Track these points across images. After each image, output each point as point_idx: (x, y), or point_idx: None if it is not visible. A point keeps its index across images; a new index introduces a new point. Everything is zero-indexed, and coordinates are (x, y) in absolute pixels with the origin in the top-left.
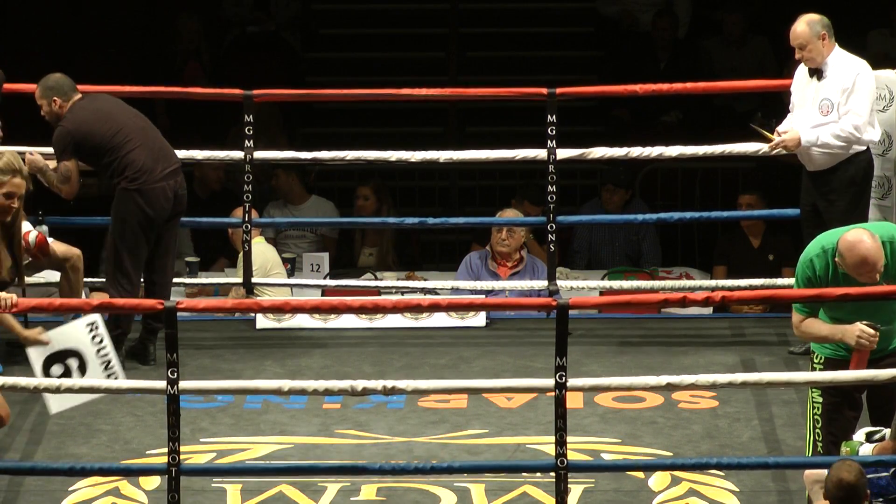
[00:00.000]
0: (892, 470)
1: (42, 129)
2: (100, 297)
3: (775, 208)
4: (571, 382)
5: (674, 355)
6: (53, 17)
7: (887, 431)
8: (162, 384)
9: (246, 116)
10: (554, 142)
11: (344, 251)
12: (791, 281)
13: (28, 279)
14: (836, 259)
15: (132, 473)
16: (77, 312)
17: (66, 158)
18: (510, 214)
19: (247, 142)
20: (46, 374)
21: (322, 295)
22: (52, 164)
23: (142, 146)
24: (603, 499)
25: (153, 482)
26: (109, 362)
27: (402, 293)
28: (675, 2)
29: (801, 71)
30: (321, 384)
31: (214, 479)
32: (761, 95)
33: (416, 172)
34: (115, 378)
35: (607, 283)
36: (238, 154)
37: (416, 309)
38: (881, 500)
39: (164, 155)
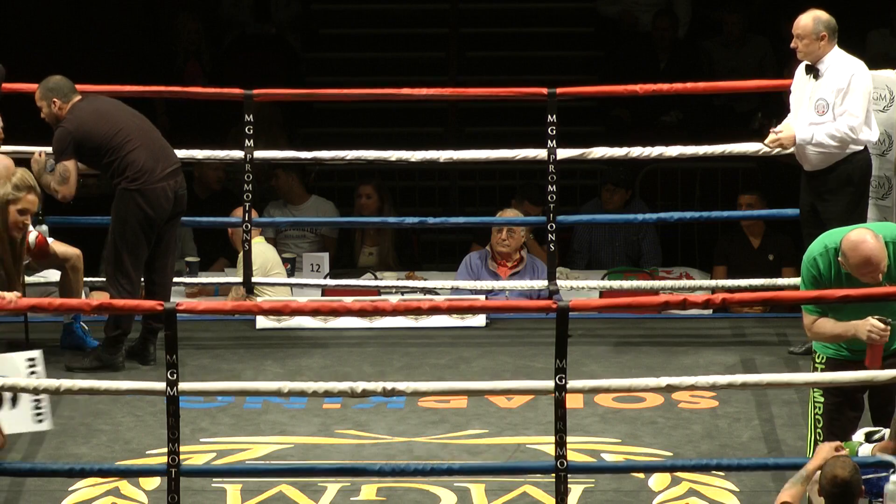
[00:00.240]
0: (892, 470)
1: (42, 129)
2: (100, 298)
3: (775, 208)
4: (571, 384)
5: (674, 355)
6: (53, 17)
7: (886, 431)
8: (162, 385)
9: (246, 116)
10: (554, 142)
11: (344, 251)
12: (791, 281)
13: (28, 279)
14: (840, 259)
15: (132, 474)
16: (77, 313)
17: (66, 158)
18: (510, 214)
19: (247, 141)
20: None
21: (322, 295)
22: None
23: (142, 146)
24: (603, 499)
25: (153, 482)
26: (40, 404)
27: (402, 293)
28: (675, 2)
29: (800, 71)
30: (321, 386)
31: (214, 479)
32: (761, 95)
33: (416, 172)
34: (42, 423)
35: (607, 283)
36: (238, 154)
37: (416, 311)
38: (881, 500)
39: (165, 155)
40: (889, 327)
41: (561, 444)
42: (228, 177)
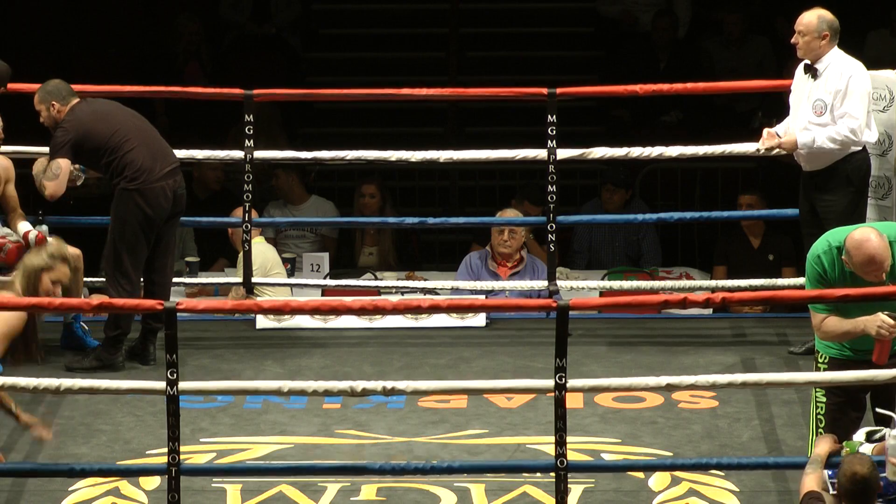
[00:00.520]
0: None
1: (42, 129)
2: (100, 298)
3: (775, 208)
4: (571, 383)
5: (674, 355)
6: (53, 17)
7: (888, 431)
8: (162, 385)
9: (246, 116)
10: (554, 142)
11: (344, 251)
12: (791, 281)
13: None
14: (844, 257)
15: (132, 474)
16: (77, 313)
17: (61, 156)
18: (510, 214)
19: (247, 141)
20: None
21: (322, 295)
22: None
23: (140, 146)
24: (603, 499)
25: (153, 482)
26: None
27: (402, 293)
28: (675, 2)
29: (799, 70)
30: (321, 385)
31: (214, 479)
32: (761, 95)
33: (416, 172)
34: None
35: (607, 283)
36: (238, 154)
37: (417, 310)
38: (881, 500)
39: (163, 154)
40: None
41: (561, 443)
42: (228, 177)
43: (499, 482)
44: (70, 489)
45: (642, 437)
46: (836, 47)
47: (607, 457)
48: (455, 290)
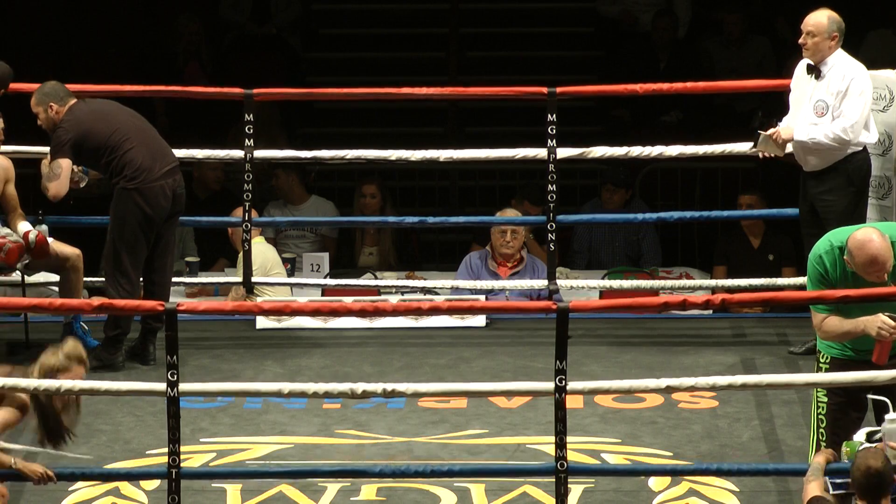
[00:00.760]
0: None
1: (42, 129)
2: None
3: (775, 208)
4: (571, 385)
5: (674, 355)
6: (53, 17)
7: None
8: (162, 386)
9: (246, 116)
10: (554, 141)
11: (344, 251)
12: (791, 281)
13: (28, 279)
14: (845, 258)
15: (133, 478)
16: (77, 313)
17: (61, 156)
18: (510, 214)
19: (247, 141)
20: None
21: (322, 295)
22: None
23: (139, 145)
24: (603, 499)
25: (153, 482)
26: None
27: (402, 293)
28: (675, 2)
29: (801, 68)
30: (321, 387)
31: (214, 480)
32: (761, 95)
33: (416, 172)
34: None
35: (607, 283)
36: (238, 154)
37: (416, 311)
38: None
39: (162, 154)
40: None
41: (561, 445)
42: (228, 177)
43: (499, 482)
44: (70, 489)
45: (642, 437)
46: (840, 48)
47: (607, 457)
48: (455, 290)
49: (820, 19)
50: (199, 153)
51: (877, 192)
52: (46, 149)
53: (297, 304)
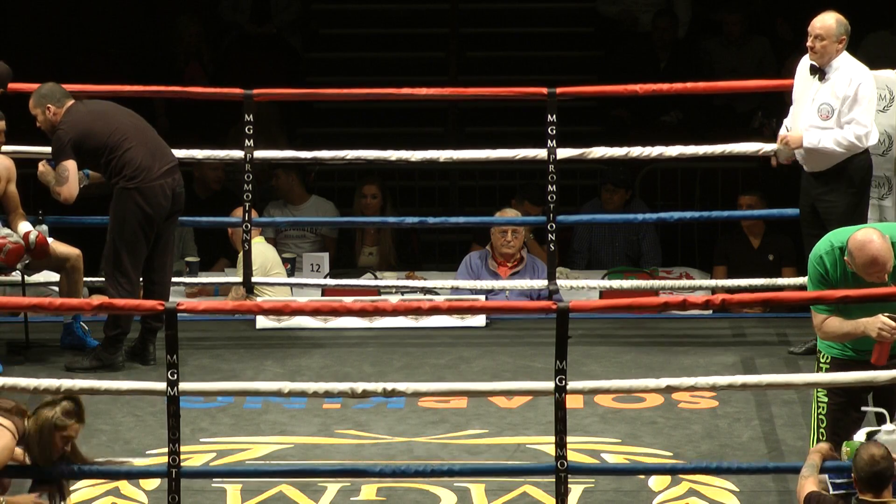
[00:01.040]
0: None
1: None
2: (100, 298)
3: (775, 208)
4: (571, 385)
5: (674, 355)
6: (53, 17)
7: (882, 427)
8: (162, 385)
9: (246, 116)
10: (554, 142)
11: (344, 251)
12: (791, 281)
13: (28, 279)
14: (846, 258)
15: (133, 476)
16: (77, 313)
17: (64, 158)
18: (510, 214)
19: (247, 141)
20: None
21: (322, 295)
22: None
23: (138, 145)
24: (603, 499)
25: (153, 482)
26: None
27: (402, 293)
28: (675, 2)
29: (803, 66)
30: (321, 386)
31: (214, 479)
32: (761, 95)
33: (416, 172)
34: None
35: (607, 283)
36: (238, 154)
37: (416, 311)
38: None
39: (161, 153)
40: None
41: (561, 445)
42: (228, 177)
43: (499, 482)
44: (70, 489)
45: (642, 437)
46: (845, 51)
47: (607, 457)
48: (455, 290)
49: (829, 22)
50: (199, 153)
51: (877, 193)
52: (47, 149)
53: (297, 303)
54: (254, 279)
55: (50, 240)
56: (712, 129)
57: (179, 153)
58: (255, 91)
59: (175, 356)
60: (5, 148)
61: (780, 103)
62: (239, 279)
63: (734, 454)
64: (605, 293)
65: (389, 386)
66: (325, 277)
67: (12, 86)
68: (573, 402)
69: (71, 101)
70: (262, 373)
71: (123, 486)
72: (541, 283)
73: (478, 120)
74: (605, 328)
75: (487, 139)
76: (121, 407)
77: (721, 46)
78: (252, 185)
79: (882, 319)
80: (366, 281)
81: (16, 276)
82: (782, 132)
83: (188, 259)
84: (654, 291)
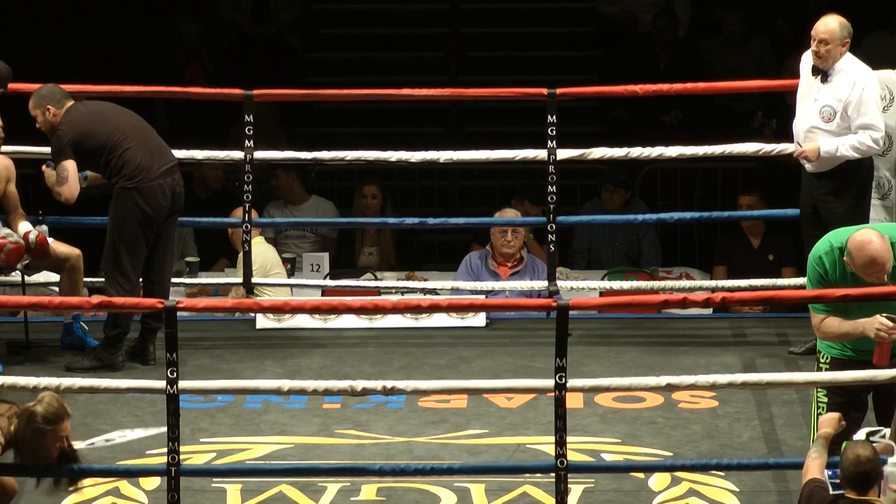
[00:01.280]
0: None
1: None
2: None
3: (775, 208)
4: (571, 383)
5: (674, 355)
6: (53, 17)
7: (888, 431)
8: (162, 384)
9: (246, 116)
10: (554, 142)
11: (344, 251)
12: (791, 281)
13: (28, 279)
14: (845, 258)
15: (132, 474)
16: (77, 312)
17: (64, 159)
18: (510, 214)
19: (247, 142)
20: None
21: (322, 295)
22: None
23: (138, 145)
24: (603, 499)
25: (153, 482)
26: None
27: (402, 293)
28: (675, 2)
29: (806, 66)
30: (321, 384)
31: (214, 479)
32: (761, 95)
33: (416, 172)
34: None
35: (607, 283)
36: (238, 154)
37: (417, 309)
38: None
39: (161, 153)
40: None
41: (561, 443)
42: (228, 177)
43: (499, 482)
44: (70, 489)
45: (642, 437)
46: (848, 52)
47: (607, 457)
48: (455, 290)
49: (832, 26)
50: (199, 153)
51: (877, 193)
52: (47, 149)
53: (297, 301)
54: (254, 279)
55: (50, 240)
56: (712, 129)
57: (179, 153)
58: (255, 91)
59: (175, 355)
60: (5, 148)
61: (780, 103)
62: (239, 279)
63: (734, 454)
64: (605, 293)
65: (389, 384)
66: (325, 278)
67: (12, 86)
68: (573, 401)
69: (70, 102)
70: (262, 373)
71: (123, 485)
72: (541, 284)
73: (478, 120)
74: (605, 328)
75: (487, 139)
76: (121, 407)
77: (721, 46)
78: (252, 185)
79: (880, 320)
80: (366, 281)
81: (16, 276)
82: (795, 147)
83: (188, 259)
84: (654, 291)
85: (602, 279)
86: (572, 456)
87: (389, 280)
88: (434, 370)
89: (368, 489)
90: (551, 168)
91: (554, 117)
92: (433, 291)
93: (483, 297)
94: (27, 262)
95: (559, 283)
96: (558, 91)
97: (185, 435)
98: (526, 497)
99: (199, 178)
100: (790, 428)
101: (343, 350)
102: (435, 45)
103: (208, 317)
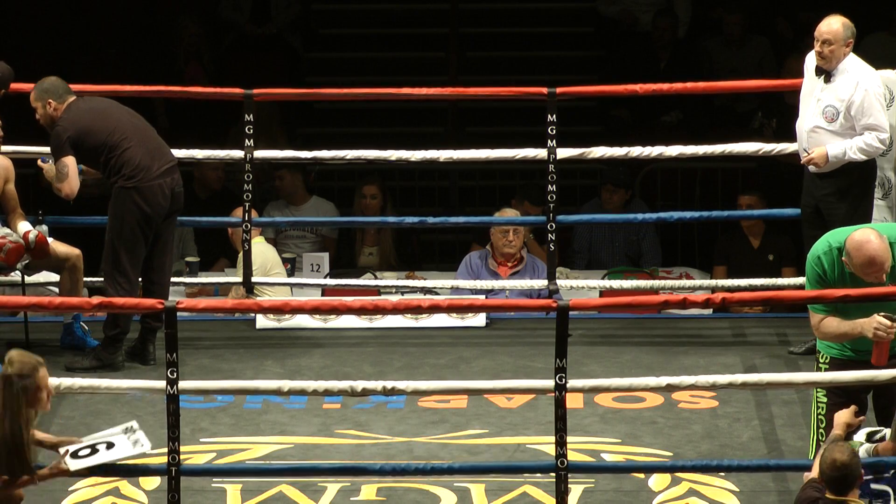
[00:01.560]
0: (893, 472)
1: (43, 128)
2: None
3: (775, 208)
4: (571, 383)
5: (674, 355)
6: (53, 17)
7: (888, 432)
8: (162, 384)
9: (246, 116)
10: (554, 142)
11: (344, 251)
12: (791, 281)
13: (28, 279)
14: (844, 258)
15: (132, 474)
16: (76, 311)
17: (64, 155)
18: (510, 214)
19: (247, 141)
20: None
21: (322, 295)
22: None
23: (137, 144)
24: (603, 499)
25: (153, 482)
26: (134, 434)
27: (402, 293)
28: (675, 2)
29: (810, 66)
30: (321, 384)
31: (214, 479)
32: (761, 95)
33: (416, 172)
34: (143, 447)
35: (607, 283)
36: (238, 154)
37: (417, 310)
38: (881, 501)
39: (161, 153)
40: (895, 325)
41: (561, 443)
42: (228, 177)
43: (499, 482)
44: (70, 489)
45: (642, 437)
46: (851, 52)
47: (607, 457)
48: (455, 290)
49: (835, 27)
50: (199, 153)
51: (878, 192)
52: (46, 149)
53: (297, 301)
54: (254, 279)
55: (50, 239)
56: (712, 129)
57: (179, 153)
58: (255, 91)
59: (175, 355)
60: (5, 148)
61: (780, 103)
62: (239, 279)
63: (734, 454)
64: (605, 293)
65: (389, 384)
66: (325, 277)
67: (13, 85)
68: (573, 402)
69: (72, 98)
70: (262, 373)
71: (123, 486)
72: (541, 283)
73: (478, 120)
74: (605, 328)
75: (487, 139)
76: (121, 407)
77: (721, 46)
78: (252, 185)
79: (878, 319)
80: (366, 281)
81: (16, 276)
82: (802, 153)
83: (188, 259)
84: (654, 291)
85: (602, 279)
86: (572, 456)
87: (389, 280)
88: (434, 370)
89: (368, 489)
90: (551, 168)
91: (554, 117)
92: (433, 291)
93: (483, 296)
94: (27, 261)
95: (559, 282)
96: (558, 91)
97: (185, 435)
98: (526, 497)
99: (199, 177)
100: (790, 428)
101: (343, 350)
102: (435, 45)
103: (208, 317)
